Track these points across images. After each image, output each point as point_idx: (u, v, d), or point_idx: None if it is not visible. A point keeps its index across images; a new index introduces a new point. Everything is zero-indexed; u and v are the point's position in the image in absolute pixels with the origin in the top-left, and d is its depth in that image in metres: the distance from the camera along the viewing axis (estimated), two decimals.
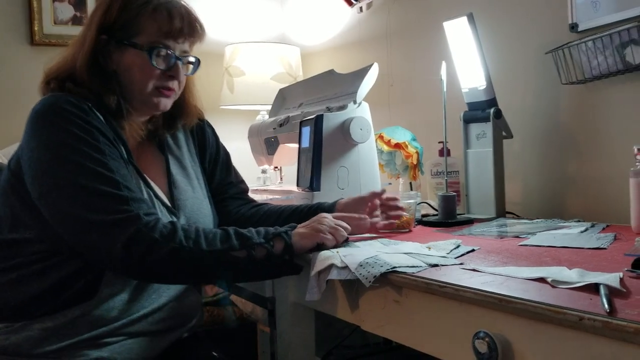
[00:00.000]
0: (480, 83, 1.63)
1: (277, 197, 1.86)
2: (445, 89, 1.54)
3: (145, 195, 1.18)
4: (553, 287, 0.81)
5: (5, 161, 1.31)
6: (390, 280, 0.98)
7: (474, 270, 0.95)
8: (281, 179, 2.23)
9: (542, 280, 0.85)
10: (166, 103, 1.24)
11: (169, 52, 1.20)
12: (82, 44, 1.20)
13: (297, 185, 1.61)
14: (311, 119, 1.55)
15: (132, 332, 1.17)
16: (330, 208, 1.33)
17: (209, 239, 1.08)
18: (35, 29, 2.48)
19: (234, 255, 1.08)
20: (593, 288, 0.78)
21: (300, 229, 1.17)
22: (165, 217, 1.20)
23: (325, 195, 1.51)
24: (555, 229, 1.36)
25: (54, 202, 1.08)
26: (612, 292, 0.75)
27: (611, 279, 0.79)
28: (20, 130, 1.16)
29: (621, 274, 0.82)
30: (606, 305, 0.69)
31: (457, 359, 0.88)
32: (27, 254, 1.14)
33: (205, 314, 2.26)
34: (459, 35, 1.64)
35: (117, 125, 1.19)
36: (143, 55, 1.18)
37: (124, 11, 1.18)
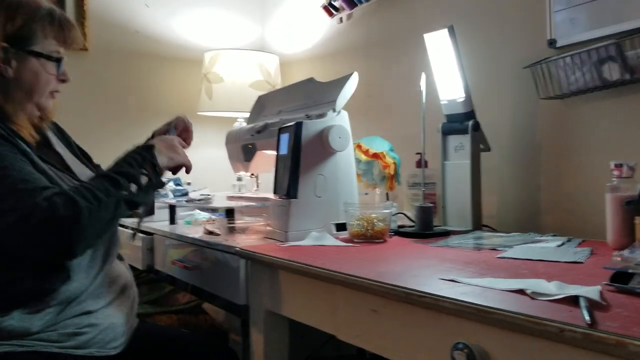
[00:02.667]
0: (459, 95, 1.64)
1: (253, 204, 1.84)
2: (424, 100, 1.55)
3: (53, 175, 1.19)
4: (532, 298, 0.81)
5: None
6: (369, 289, 0.97)
7: (452, 280, 0.94)
8: (257, 186, 2.20)
9: (521, 292, 0.84)
10: (53, 106, 1.32)
11: (61, 58, 1.28)
12: None
13: (274, 192, 1.59)
14: (290, 126, 1.54)
15: None
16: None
17: (101, 190, 1.14)
18: None
19: (130, 191, 1.19)
20: (572, 301, 0.77)
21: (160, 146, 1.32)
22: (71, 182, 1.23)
23: (302, 203, 1.49)
24: (532, 242, 1.37)
25: None
26: (592, 305, 0.74)
27: (591, 291, 0.79)
28: None
29: (600, 287, 0.82)
30: (587, 317, 0.68)
31: None
32: None
33: (177, 321, 2.23)
34: (440, 47, 1.65)
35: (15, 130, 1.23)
36: (44, 63, 1.25)
37: (18, 21, 1.22)
